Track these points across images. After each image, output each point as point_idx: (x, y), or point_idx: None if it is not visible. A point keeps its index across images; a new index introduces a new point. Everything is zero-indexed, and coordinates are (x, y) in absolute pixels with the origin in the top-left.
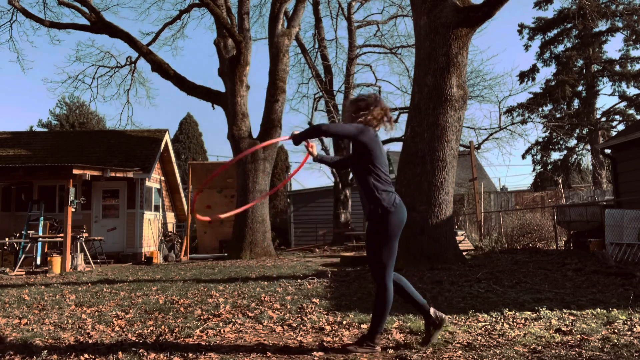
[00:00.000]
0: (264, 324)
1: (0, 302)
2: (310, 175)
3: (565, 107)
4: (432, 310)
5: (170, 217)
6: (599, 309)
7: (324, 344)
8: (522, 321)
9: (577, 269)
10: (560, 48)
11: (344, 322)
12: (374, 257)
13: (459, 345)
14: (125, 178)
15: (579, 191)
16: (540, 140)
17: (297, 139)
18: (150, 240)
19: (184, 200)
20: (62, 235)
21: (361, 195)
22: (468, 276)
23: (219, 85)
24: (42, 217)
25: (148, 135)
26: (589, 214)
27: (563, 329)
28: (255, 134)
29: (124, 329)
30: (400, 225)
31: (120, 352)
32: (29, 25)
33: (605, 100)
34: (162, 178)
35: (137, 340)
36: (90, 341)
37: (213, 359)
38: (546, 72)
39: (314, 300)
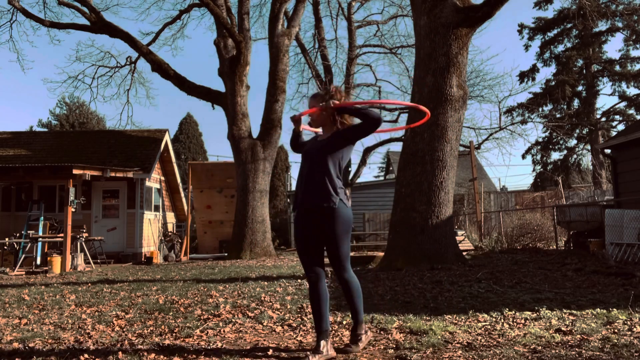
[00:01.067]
0: (264, 324)
1: (0, 302)
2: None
3: (565, 107)
4: (326, 342)
5: (170, 217)
6: (599, 309)
7: None
8: (522, 321)
9: (577, 269)
10: (560, 48)
11: (344, 322)
12: (340, 253)
13: (459, 345)
14: (125, 178)
15: (579, 191)
16: (540, 140)
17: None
18: (150, 240)
19: (184, 200)
20: (62, 235)
21: (311, 186)
22: (468, 276)
23: (219, 85)
24: (42, 217)
25: (148, 135)
26: (589, 214)
27: (563, 329)
28: (255, 134)
29: (124, 329)
30: (351, 220)
31: (120, 352)
32: (29, 25)
33: (605, 100)
34: (162, 178)
35: (137, 340)
36: (90, 341)
37: (213, 359)
38: (546, 72)
39: None
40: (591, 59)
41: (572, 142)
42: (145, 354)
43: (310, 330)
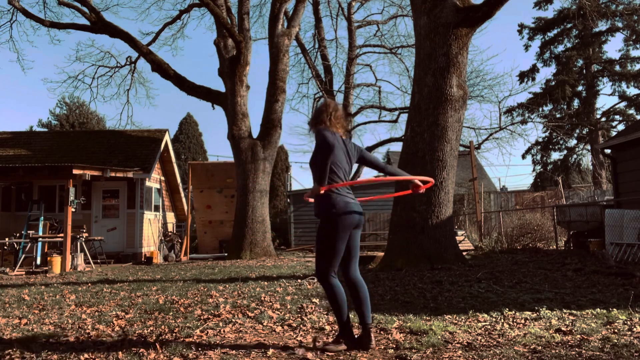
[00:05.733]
0: (264, 324)
1: (0, 302)
2: (310, 174)
3: (565, 107)
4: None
5: (170, 217)
6: (599, 309)
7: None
8: (522, 321)
9: (577, 269)
10: (560, 48)
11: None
12: (318, 255)
13: (459, 345)
14: (125, 178)
15: (579, 191)
16: (540, 140)
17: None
18: (150, 240)
19: (184, 200)
20: (62, 235)
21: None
22: (468, 276)
23: (219, 85)
24: (42, 217)
25: (148, 135)
26: (589, 214)
27: (563, 329)
28: (255, 134)
29: (124, 329)
30: (348, 228)
31: (120, 352)
32: (29, 25)
33: (605, 100)
34: (162, 178)
35: (137, 340)
36: (90, 341)
37: (213, 359)
38: (546, 72)
39: (314, 300)
40: (591, 59)
41: (572, 142)
42: (145, 354)
43: (310, 330)
